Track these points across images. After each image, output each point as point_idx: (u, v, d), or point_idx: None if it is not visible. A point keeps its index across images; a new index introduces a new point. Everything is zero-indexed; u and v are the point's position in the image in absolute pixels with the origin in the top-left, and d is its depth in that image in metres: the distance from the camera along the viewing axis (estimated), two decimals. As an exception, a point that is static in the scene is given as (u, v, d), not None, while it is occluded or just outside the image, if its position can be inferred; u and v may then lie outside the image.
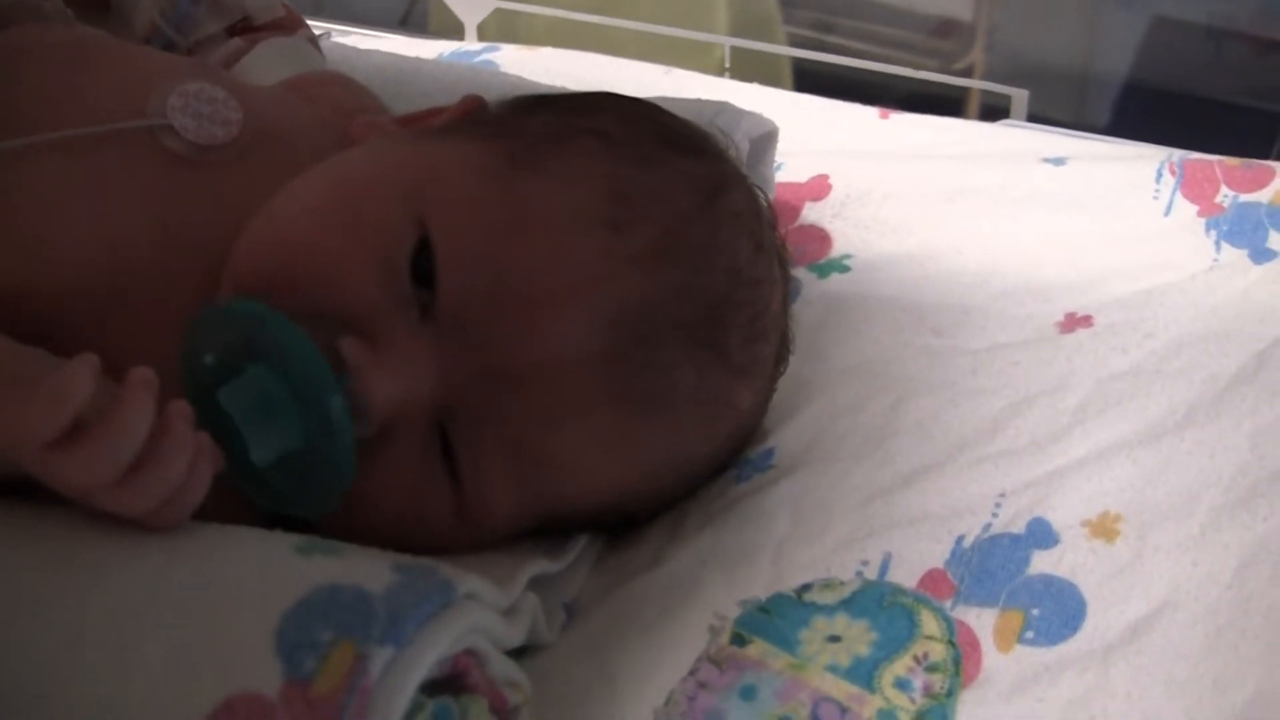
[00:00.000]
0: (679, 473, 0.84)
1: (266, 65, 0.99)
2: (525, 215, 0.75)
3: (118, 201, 0.80)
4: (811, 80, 1.89)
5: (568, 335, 0.74)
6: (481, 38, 1.74)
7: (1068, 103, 2.21)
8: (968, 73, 2.15)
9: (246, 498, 0.75)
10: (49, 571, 0.66)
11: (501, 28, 1.94)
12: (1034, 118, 1.52)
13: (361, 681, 0.59)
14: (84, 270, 0.78)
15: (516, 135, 0.81)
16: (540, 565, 0.76)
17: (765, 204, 0.88)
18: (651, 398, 0.77)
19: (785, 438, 0.89)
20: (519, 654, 0.73)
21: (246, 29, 1.04)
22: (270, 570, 0.65)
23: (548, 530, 0.82)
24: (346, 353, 0.72)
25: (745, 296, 0.81)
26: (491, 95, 0.90)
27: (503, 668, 0.67)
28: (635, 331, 0.75)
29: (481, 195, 0.76)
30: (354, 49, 1.27)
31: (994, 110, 1.59)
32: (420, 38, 1.60)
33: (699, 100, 1.06)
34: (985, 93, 1.67)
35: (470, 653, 0.65)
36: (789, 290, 0.90)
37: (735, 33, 2.00)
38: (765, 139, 1.07)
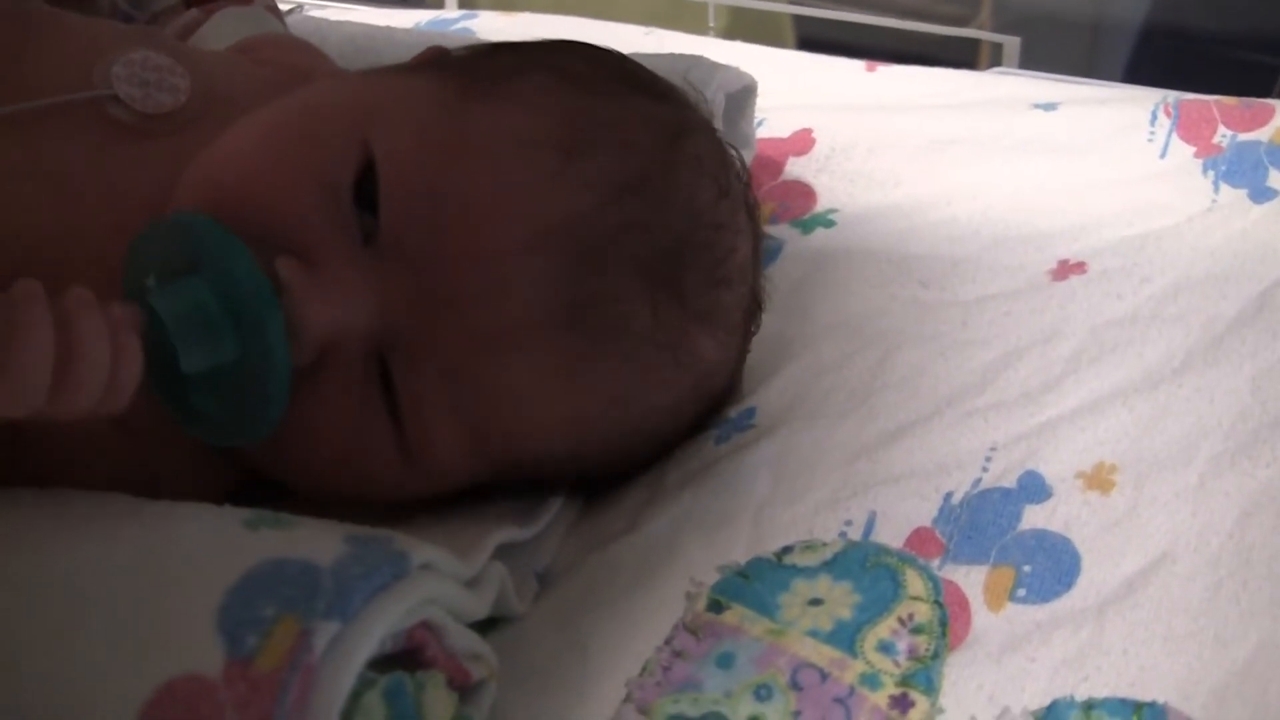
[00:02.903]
0: (640, 423, 0.79)
1: (223, 34, 0.97)
2: (471, 138, 0.73)
3: (64, 174, 0.78)
4: (814, 44, 1.86)
5: (509, 256, 0.70)
6: (472, 5, 1.71)
7: (1076, 55, 2.17)
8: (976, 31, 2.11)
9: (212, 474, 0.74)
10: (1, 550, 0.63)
11: (499, -1, 1.91)
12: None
13: (305, 658, 0.56)
14: (31, 243, 0.75)
15: (472, 71, 0.78)
16: (508, 533, 0.73)
17: (735, 157, 0.84)
18: (602, 331, 0.73)
19: (767, 396, 0.86)
20: (488, 625, 0.70)
21: (203, 0, 1.02)
22: (215, 545, 0.62)
23: (512, 485, 0.79)
24: (282, 273, 0.69)
25: (706, 239, 0.77)
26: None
27: (464, 641, 0.64)
28: (585, 259, 0.72)
29: (428, 120, 0.74)
30: (326, 21, 1.24)
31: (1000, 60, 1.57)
32: (407, 8, 1.58)
33: (672, 55, 1.03)
34: (995, 49, 1.63)
35: (427, 626, 0.62)
36: (760, 247, 0.86)
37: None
38: (743, 93, 1.04)
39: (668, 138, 0.77)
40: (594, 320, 0.72)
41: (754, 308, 0.85)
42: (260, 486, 0.78)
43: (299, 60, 0.93)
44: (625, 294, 0.73)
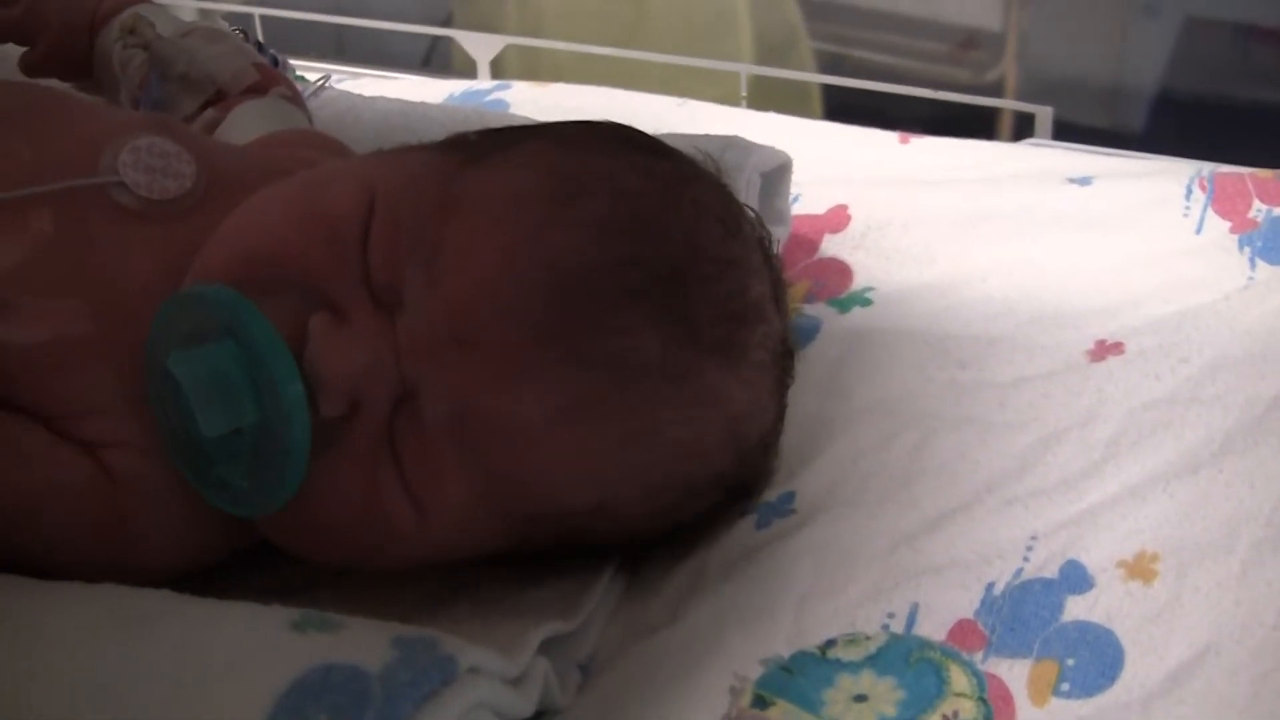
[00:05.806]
0: (667, 466, 0.77)
1: (242, 129, 0.99)
2: (464, 195, 0.75)
3: (70, 259, 0.78)
4: (838, 101, 1.87)
5: (503, 296, 0.72)
6: (503, 74, 1.73)
7: (1100, 112, 2.17)
8: (999, 85, 2.12)
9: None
10: (38, 650, 0.63)
11: (524, 63, 1.92)
12: (1066, 126, 1.49)
13: (356, 769, 0.56)
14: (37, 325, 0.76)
15: (473, 147, 0.81)
16: (552, 627, 0.73)
17: (747, 209, 0.85)
18: (605, 364, 0.73)
19: (806, 480, 0.86)
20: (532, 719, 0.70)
21: (221, 99, 1.03)
22: (263, 649, 0.62)
23: (548, 556, 0.79)
24: (312, 325, 0.72)
25: (711, 272, 0.77)
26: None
27: (510, 741, 0.64)
28: (582, 294, 0.72)
29: (426, 182, 0.76)
30: (359, 97, 1.25)
31: (1027, 119, 1.57)
32: (440, 77, 1.59)
33: (706, 136, 1.03)
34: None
35: (474, 729, 0.62)
36: (784, 291, 0.86)
37: (759, 56, 1.97)
38: (778, 172, 1.04)
39: (663, 184, 0.79)
40: (595, 352, 0.73)
41: (784, 352, 0.84)
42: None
43: (314, 157, 0.93)
44: (627, 326, 0.73)
